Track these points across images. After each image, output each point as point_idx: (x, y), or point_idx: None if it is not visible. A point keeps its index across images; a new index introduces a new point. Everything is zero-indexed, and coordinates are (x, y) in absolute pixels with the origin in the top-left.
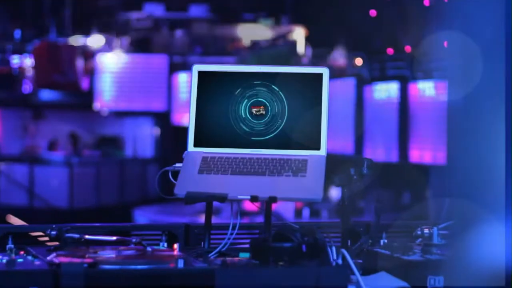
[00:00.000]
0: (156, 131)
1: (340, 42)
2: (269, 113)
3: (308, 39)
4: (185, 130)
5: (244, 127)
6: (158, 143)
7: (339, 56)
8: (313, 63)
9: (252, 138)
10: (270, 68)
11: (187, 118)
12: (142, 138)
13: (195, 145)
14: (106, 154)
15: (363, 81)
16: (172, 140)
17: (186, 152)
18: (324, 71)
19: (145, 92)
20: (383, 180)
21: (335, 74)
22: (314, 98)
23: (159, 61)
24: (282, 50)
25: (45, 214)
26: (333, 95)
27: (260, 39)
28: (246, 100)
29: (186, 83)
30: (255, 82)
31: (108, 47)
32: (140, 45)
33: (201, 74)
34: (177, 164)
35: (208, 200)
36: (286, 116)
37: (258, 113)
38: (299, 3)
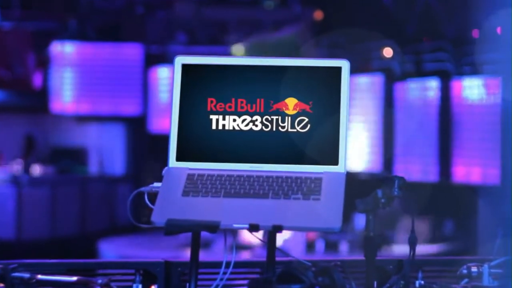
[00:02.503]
0: (129, 141)
1: (363, 28)
2: None
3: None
4: (165, 139)
5: (241, 136)
6: (130, 156)
7: (362, 46)
8: (330, 54)
9: (252, 150)
10: (274, 60)
11: (168, 125)
12: (111, 150)
13: (179, 159)
14: (64, 171)
15: (394, 77)
16: (148, 152)
17: (166, 168)
18: (344, 65)
19: (115, 91)
20: (419, 204)
21: (358, 68)
22: (330, 98)
23: (131, 51)
24: (289, 38)
25: None
26: (355, 94)
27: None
28: None
29: (167, 80)
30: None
31: (67, 35)
32: (108, 31)
33: (185, 68)
34: (155, 184)
35: (195, 230)
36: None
37: None
38: None
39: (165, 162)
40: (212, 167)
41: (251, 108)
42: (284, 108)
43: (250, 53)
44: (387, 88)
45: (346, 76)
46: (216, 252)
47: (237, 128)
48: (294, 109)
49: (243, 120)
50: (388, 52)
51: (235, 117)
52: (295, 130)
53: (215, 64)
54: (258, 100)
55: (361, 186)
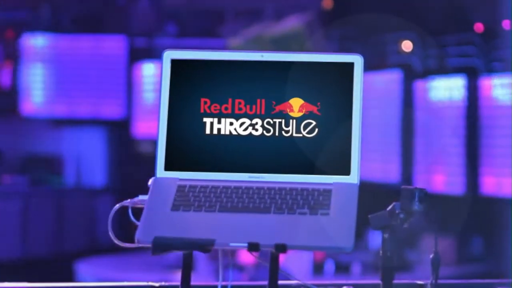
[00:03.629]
0: (110, 147)
1: (379, 18)
2: None
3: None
4: (152, 146)
5: (238, 142)
6: (112, 165)
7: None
8: (340, 48)
9: (251, 158)
10: (277, 55)
11: (156, 129)
12: (90, 158)
13: (167, 168)
14: (37, 182)
15: (414, 74)
16: (133, 161)
17: (153, 178)
18: (356, 60)
19: (94, 91)
20: (443, 220)
21: (373, 64)
22: (341, 98)
23: (113, 45)
24: (294, 30)
25: None
26: (370, 94)
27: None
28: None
29: (154, 78)
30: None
31: (39, 25)
32: (86, 22)
33: (175, 64)
34: (141, 197)
35: (186, 249)
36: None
37: None
38: None
39: (151, 171)
40: (206, 177)
41: (251, 110)
42: (288, 110)
43: (249, 47)
44: (406, 87)
45: (359, 73)
46: (200, 273)
47: (234, 132)
48: (299, 111)
49: (241, 124)
50: (407, 45)
51: (232, 120)
52: (300, 135)
53: (209, 59)
54: (258, 100)
55: (376, 199)
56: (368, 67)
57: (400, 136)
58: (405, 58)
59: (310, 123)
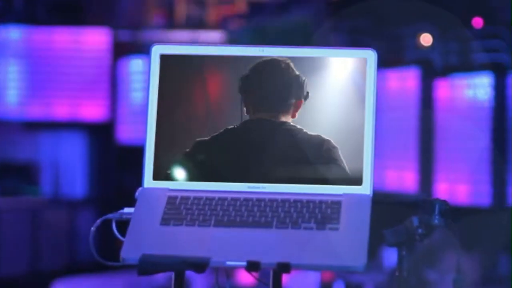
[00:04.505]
0: (92, 154)
1: (394, 9)
2: None
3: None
4: (139, 152)
5: (236, 148)
6: (94, 174)
7: (393, 31)
8: (351, 42)
9: (250, 165)
10: (279, 50)
11: (143, 133)
12: (69, 166)
13: (156, 177)
14: (9, 192)
15: (434, 71)
16: (117, 169)
17: (140, 189)
18: (369, 55)
19: (74, 90)
20: (467, 236)
21: (387, 60)
22: (352, 99)
23: (95, 38)
24: (298, 22)
25: None
26: (384, 94)
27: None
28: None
29: (141, 75)
30: None
31: (12, 17)
32: (65, 13)
33: (165, 59)
34: (126, 210)
35: (178, 269)
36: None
37: None
38: None
39: (138, 181)
40: (199, 188)
41: None
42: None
43: (248, 40)
44: (425, 86)
45: (372, 70)
46: None
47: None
48: None
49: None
50: (426, 39)
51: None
52: None
53: (203, 54)
54: None
55: (391, 212)
56: (382, 64)
57: (418, 140)
58: (424, 53)
59: None
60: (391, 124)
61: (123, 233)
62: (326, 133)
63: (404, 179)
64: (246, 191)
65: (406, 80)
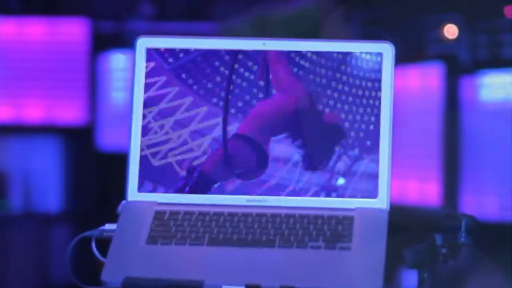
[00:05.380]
0: (68, 162)
1: None
2: None
3: None
4: (122, 160)
5: (233, 154)
6: (71, 185)
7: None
8: (365, 34)
9: (249, 175)
10: (283, 43)
11: (127, 138)
12: (42, 176)
13: (142, 189)
14: None
15: (460, 68)
16: (97, 179)
17: (124, 202)
18: (386, 50)
19: (48, 89)
20: (499, 256)
21: (407, 54)
22: (366, 99)
23: (73, 30)
24: (305, 12)
25: None
26: (403, 93)
27: None
28: None
29: (125, 72)
30: None
31: None
32: (39, 1)
33: (152, 54)
34: (107, 226)
35: None
36: (313, 134)
37: None
38: None
39: (122, 193)
40: (191, 201)
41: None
42: None
43: (248, 32)
44: (450, 84)
45: (389, 67)
46: None
47: (228, 142)
48: None
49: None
50: (451, 31)
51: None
52: None
53: (195, 48)
54: None
55: (411, 229)
56: (401, 59)
57: (442, 147)
58: (448, 47)
59: None
60: (411, 128)
61: (104, 253)
62: None
63: (426, 190)
64: (244, 205)
65: (428, 78)
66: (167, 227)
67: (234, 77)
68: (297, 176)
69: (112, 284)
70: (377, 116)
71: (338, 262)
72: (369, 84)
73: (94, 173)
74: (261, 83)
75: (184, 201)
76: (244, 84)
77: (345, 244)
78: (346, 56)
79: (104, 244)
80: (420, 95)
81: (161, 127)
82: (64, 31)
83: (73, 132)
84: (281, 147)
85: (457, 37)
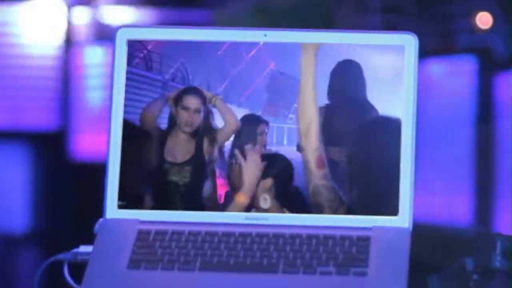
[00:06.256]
0: (36, 173)
1: None
2: None
3: None
4: (99, 170)
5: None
6: (39, 200)
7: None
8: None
9: None
10: (287, 34)
11: (105, 145)
12: (6, 190)
13: (123, 205)
14: None
15: (494, 62)
16: (70, 193)
17: (101, 220)
18: (408, 42)
19: (12, 89)
20: None
21: (434, 47)
22: (385, 99)
23: (42, 20)
24: None
25: None
26: (429, 92)
27: None
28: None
29: (102, 68)
30: None
31: None
32: None
33: (134, 47)
34: (82, 248)
35: None
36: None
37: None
38: None
39: (99, 209)
40: (180, 219)
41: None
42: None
43: (247, 22)
44: (484, 81)
45: (412, 61)
46: None
47: (225, 151)
48: None
49: None
50: (484, 19)
51: None
52: None
53: (184, 40)
54: None
55: (437, 251)
56: (426, 53)
57: (474, 155)
58: (481, 38)
59: None
60: (437, 134)
61: (78, 279)
62: None
63: (455, 207)
64: (242, 223)
65: (457, 75)
66: (152, 249)
67: None
68: None
69: None
70: (397, 119)
71: None
72: (388, 83)
73: (67, 186)
74: None
75: (171, 219)
76: None
77: (360, 269)
78: (360, 49)
79: (78, 269)
80: (448, 95)
81: None
82: (31, 21)
83: (42, 138)
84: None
85: (491, 27)
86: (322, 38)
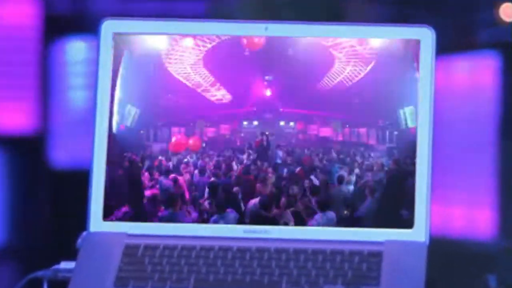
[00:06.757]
0: (12, 181)
1: None
2: None
3: None
4: (82, 179)
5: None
6: (15, 211)
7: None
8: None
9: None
10: (292, 27)
11: (89, 152)
12: None
13: (108, 217)
14: None
15: None
16: (50, 204)
17: (85, 233)
18: (424, 35)
19: None
20: None
21: (453, 42)
22: (399, 99)
23: (19, 11)
24: None
25: None
26: (448, 92)
27: None
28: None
29: (86, 65)
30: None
31: None
32: None
33: (120, 41)
34: (63, 264)
35: None
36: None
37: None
38: None
39: (82, 222)
40: (172, 232)
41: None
42: None
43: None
44: (507, 80)
45: (429, 57)
46: None
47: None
48: None
49: None
50: (508, 12)
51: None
52: None
53: (176, 34)
54: None
55: (456, 268)
56: (445, 48)
57: (497, 162)
58: (504, 32)
59: None
60: (456, 138)
61: None
62: None
63: (477, 219)
64: (241, 237)
65: (478, 73)
66: (141, 266)
67: None
68: None
69: None
70: (413, 122)
71: None
72: (402, 82)
73: (46, 196)
74: None
75: (162, 232)
76: None
77: (372, 286)
78: (372, 44)
79: (59, 287)
80: (469, 95)
81: None
82: (6, 12)
83: (19, 143)
84: None
85: None
86: (328, 31)
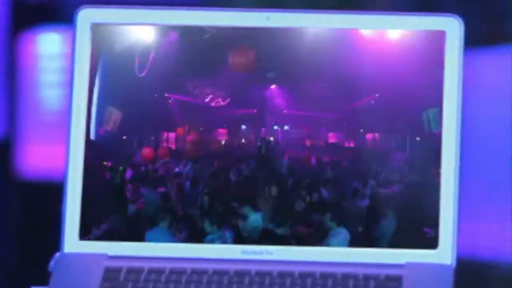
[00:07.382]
0: None
1: None
2: None
3: None
4: (55, 192)
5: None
6: None
7: None
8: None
9: (248, 216)
10: (297, 17)
11: (63, 160)
12: None
13: (85, 236)
14: None
15: None
16: (18, 220)
17: (58, 254)
18: (450, 26)
19: None
20: None
21: (481, 34)
22: (421, 100)
23: None
24: None
25: None
26: (476, 88)
27: None
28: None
29: (60, 60)
30: None
31: None
32: None
33: (100, 32)
34: None
35: None
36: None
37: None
38: None
39: (55, 241)
40: (159, 253)
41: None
42: None
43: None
44: None
45: (456, 50)
46: None
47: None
48: None
49: None
50: None
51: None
52: None
53: (165, 24)
54: None
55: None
56: (473, 40)
57: None
58: None
59: None
60: (488, 143)
61: None
62: None
63: (505, 238)
64: (239, 259)
65: (509, 68)
66: None
67: None
68: None
69: None
70: (438, 124)
71: None
72: (426, 77)
73: (13, 211)
74: None
75: (148, 253)
76: None
77: None
78: (390, 35)
79: None
80: (502, 95)
81: None
82: None
83: None
84: None
85: None
86: (339, 22)
